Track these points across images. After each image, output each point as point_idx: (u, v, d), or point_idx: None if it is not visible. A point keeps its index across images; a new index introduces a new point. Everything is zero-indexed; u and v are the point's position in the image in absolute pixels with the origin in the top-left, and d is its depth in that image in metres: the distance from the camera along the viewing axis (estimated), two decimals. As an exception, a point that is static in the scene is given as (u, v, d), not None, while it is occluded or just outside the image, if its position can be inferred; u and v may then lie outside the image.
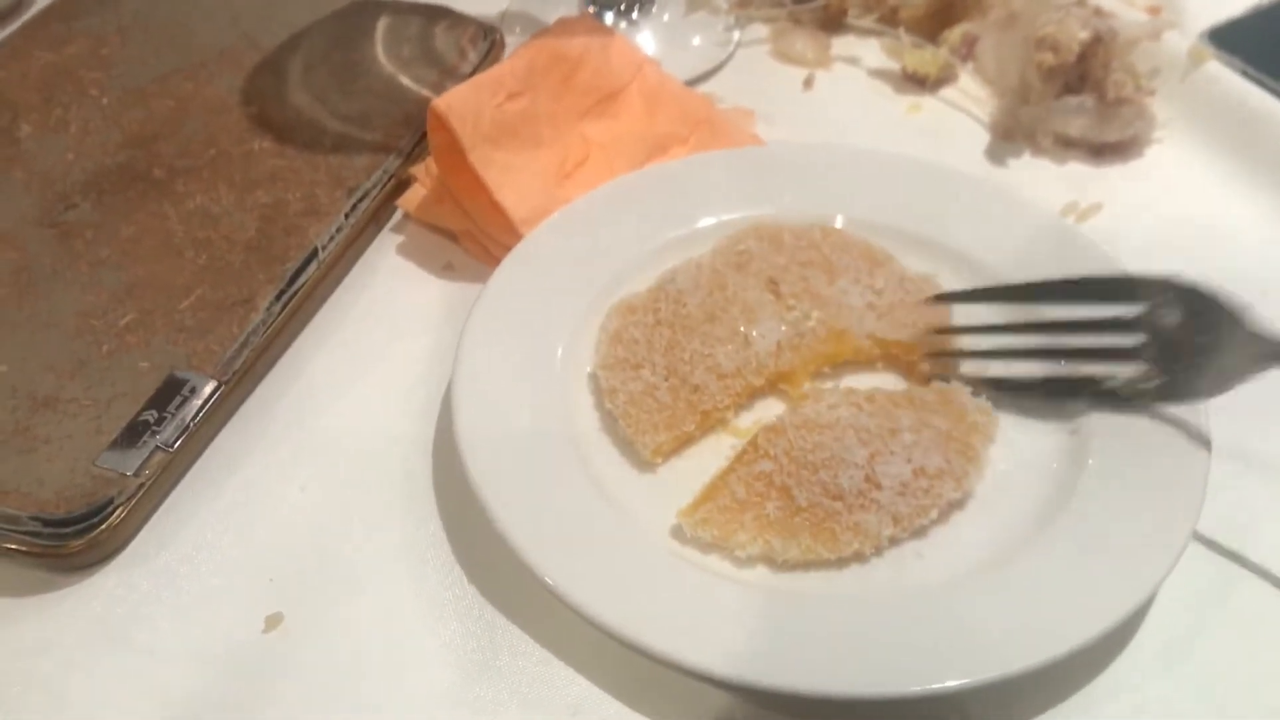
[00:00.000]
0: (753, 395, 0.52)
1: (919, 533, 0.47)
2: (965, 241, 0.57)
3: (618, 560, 0.45)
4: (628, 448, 0.50)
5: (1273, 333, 0.45)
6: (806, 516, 0.46)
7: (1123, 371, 0.49)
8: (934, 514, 0.46)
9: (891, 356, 0.53)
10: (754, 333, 0.52)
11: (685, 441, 0.50)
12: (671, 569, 0.45)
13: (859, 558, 0.46)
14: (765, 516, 0.46)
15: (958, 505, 0.48)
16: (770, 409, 0.52)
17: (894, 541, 0.46)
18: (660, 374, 0.50)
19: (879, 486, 0.46)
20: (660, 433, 0.49)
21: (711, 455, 0.50)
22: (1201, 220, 0.63)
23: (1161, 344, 0.48)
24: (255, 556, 0.48)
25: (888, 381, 0.53)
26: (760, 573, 0.46)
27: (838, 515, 0.45)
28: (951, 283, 0.56)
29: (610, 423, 0.50)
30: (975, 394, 0.50)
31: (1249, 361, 0.46)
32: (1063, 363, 0.51)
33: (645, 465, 0.49)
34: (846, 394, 0.50)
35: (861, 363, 0.53)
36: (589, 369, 0.52)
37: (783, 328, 0.52)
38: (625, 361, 0.51)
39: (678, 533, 0.47)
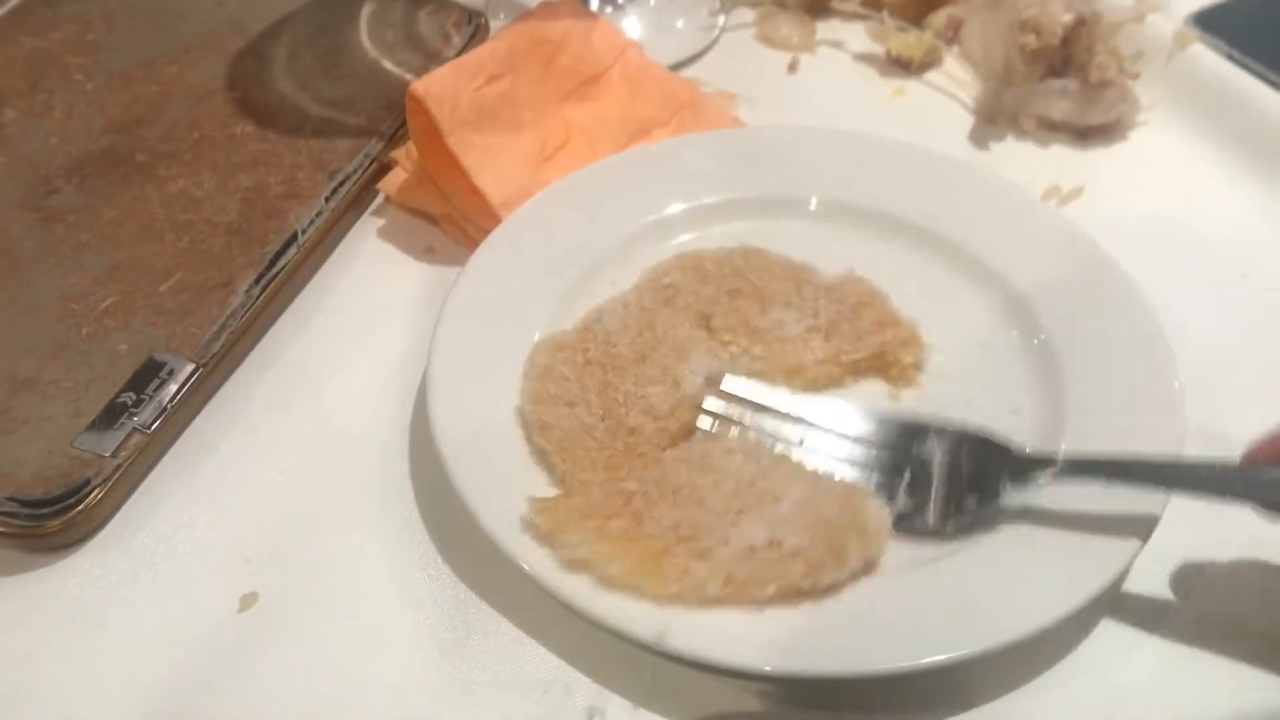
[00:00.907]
0: (689, 434, 0.49)
1: (752, 604, 0.43)
2: (946, 224, 0.57)
3: None
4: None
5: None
6: (644, 545, 0.43)
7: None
8: (770, 590, 0.43)
9: (861, 370, 0.52)
10: (686, 371, 0.49)
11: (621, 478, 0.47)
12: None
13: (680, 600, 0.43)
14: (604, 528, 0.44)
15: (808, 595, 0.43)
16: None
17: (720, 602, 0.43)
18: (596, 414, 0.48)
19: (725, 543, 0.43)
20: (599, 472, 0.47)
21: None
22: (1185, 203, 0.62)
23: (919, 481, 0.47)
24: (232, 537, 0.49)
25: (865, 391, 0.52)
26: None
27: (671, 553, 0.43)
28: (922, 264, 0.56)
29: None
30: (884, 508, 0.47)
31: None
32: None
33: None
34: (756, 449, 0.47)
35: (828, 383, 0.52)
36: (515, 403, 0.50)
37: (717, 365, 0.50)
38: (557, 398, 0.49)
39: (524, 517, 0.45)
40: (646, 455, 0.47)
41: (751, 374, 0.50)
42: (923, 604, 0.43)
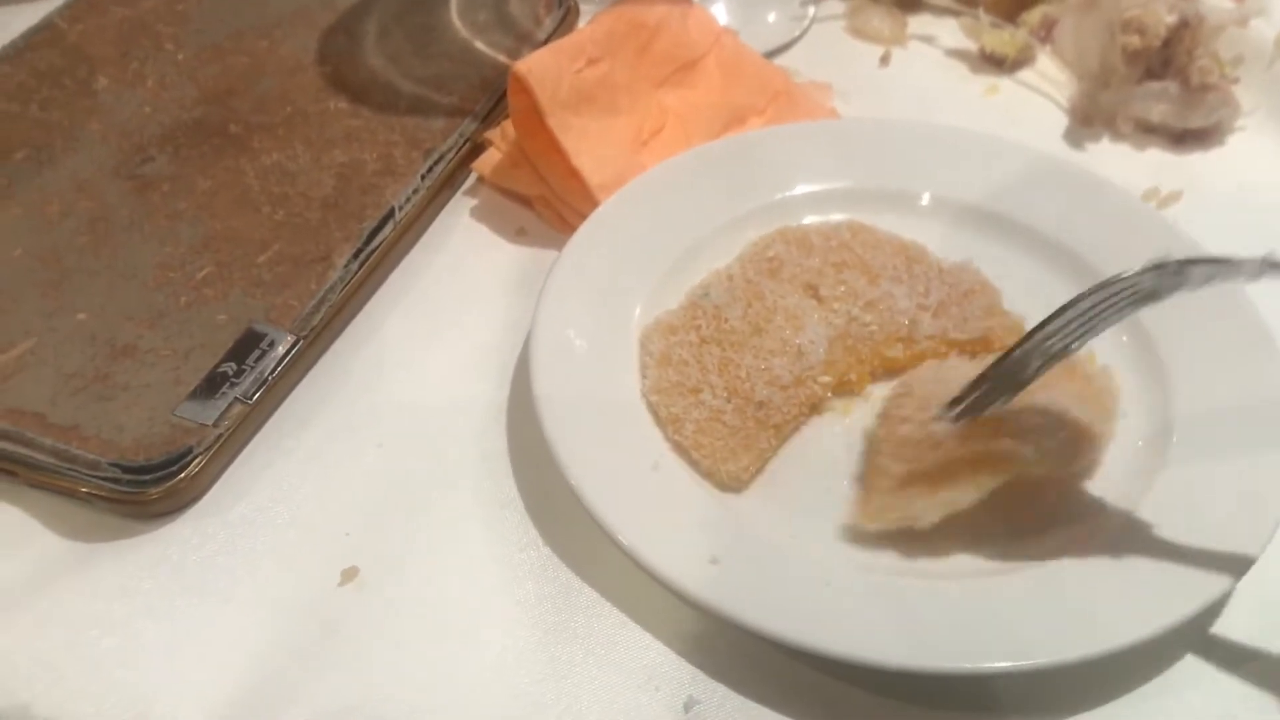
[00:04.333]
0: (818, 403, 0.50)
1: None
2: (1053, 225, 0.56)
3: (690, 524, 0.44)
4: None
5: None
6: (964, 456, 0.44)
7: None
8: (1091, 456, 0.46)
9: (965, 354, 0.52)
10: (805, 340, 0.50)
11: (768, 459, 0.48)
12: (744, 534, 0.45)
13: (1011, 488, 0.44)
14: (927, 475, 0.44)
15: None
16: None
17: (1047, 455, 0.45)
18: (721, 396, 0.48)
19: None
20: (740, 457, 0.47)
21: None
22: (1284, 210, 0.62)
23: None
24: (331, 510, 0.48)
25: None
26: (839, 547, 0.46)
27: (989, 459, 0.44)
28: (1030, 263, 0.55)
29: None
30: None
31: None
32: None
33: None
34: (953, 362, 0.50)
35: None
36: (640, 388, 0.50)
37: (832, 332, 0.50)
38: (680, 385, 0.49)
39: (853, 536, 0.46)
40: (783, 427, 0.48)
41: (861, 340, 0.51)
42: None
